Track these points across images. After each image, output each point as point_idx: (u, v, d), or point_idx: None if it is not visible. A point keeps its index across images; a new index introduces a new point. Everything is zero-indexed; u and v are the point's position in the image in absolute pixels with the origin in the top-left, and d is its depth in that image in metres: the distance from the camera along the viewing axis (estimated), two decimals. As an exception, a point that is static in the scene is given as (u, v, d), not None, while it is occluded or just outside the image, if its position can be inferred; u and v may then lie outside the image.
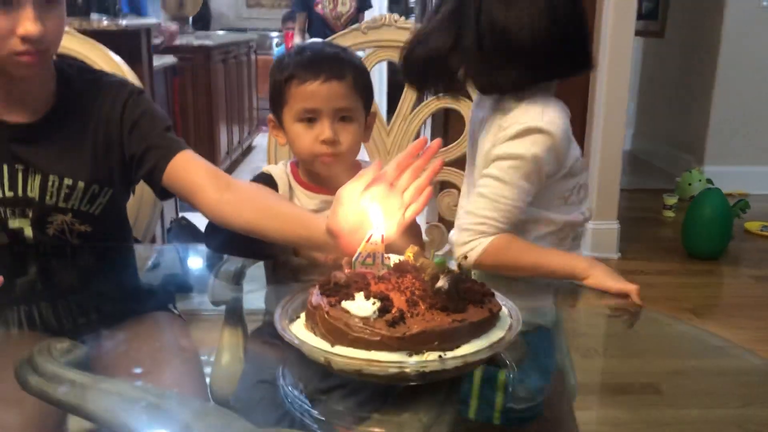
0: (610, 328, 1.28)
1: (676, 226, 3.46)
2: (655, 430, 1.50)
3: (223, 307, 1.19)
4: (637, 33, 3.15)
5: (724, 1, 4.10)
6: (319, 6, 4.54)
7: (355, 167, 1.24)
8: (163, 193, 1.13)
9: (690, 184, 3.98)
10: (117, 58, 1.45)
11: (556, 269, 1.09)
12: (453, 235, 1.15)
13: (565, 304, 1.20)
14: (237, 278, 1.20)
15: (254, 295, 1.22)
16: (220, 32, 5.71)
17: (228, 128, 4.59)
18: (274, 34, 6.68)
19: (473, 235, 1.08)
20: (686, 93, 4.53)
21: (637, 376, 1.32)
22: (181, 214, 2.77)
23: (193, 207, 1.09)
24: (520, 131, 1.09)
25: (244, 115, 5.26)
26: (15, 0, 0.96)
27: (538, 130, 1.08)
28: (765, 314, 2.75)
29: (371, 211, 0.78)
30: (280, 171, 1.25)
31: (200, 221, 1.30)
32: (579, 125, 3.12)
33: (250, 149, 5.50)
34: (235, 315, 1.16)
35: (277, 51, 6.14)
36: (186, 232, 2.55)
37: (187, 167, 1.09)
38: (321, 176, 1.22)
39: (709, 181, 3.90)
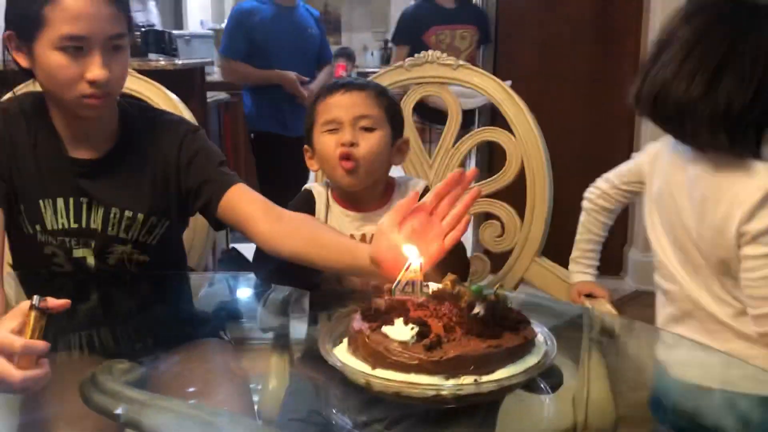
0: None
1: None
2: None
3: (271, 334, 1.24)
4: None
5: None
6: (433, 38, 3.50)
7: (389, 185, 1.30)
8: (218, 224, 1.20)
9: None
10: (173, 96, 1.53)
11: None
12: (752, 326, 1.09)
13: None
14: (284, 306, 1.25)
15: (300, 323, 1.27)
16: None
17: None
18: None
19: None
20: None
21: None
22: (231, 245, 2.86)
23: (246, 237, 1.15)
24: None
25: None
26: (85, 47, 1.04)
27: None
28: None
29: (408, 247, 0.82)
30: (320, 188, 1.32)
31: (249, 251, 1.36)
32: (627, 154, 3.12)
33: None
34: (282, 342, 1.20)
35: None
36: (235, 262, 2.63)
37: (240, 200, 1.15)
38: (348, 192, 1.27)
39: None
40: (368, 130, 1.24)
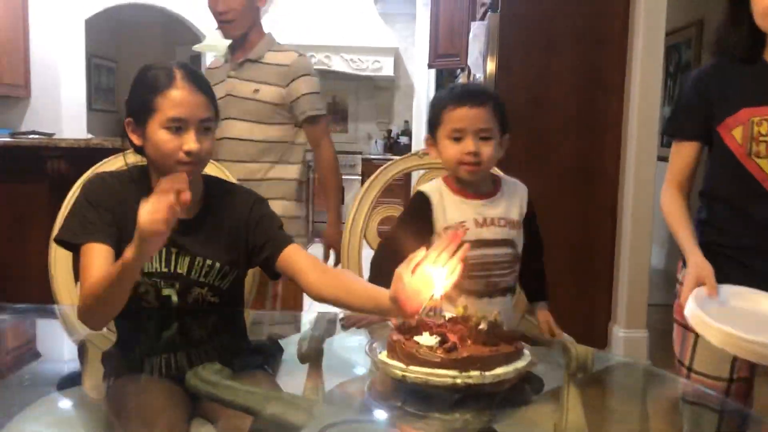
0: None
1: (704, 338, 3.64)
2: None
3: (306, 366, 1.51)
4: (665, 159, 3.43)
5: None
6: None
7: (497, 179, 1.67)
8: (274, 275, 1.51)
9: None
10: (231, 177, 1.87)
11: None
12: None
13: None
14: (320, 341, 1.53)
15: (333, 354, 1.55)
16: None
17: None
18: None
19: None
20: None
21: None
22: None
23: (298, 285, 1.46)
24: None
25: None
26: (183, 127, 1.38)
27: None
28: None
29: (434, 276, 1.13)
30: (432, 187, 1.63)
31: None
32: (610, 240, 3.45)
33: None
34: (316, 370, 1.47)
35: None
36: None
37: (294, 256, 1.47)
38: (466, 182, 1.59)
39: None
40: (486, 139, 1.56)
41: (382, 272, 1.60)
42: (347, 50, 7.18)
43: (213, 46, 5.21)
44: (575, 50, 3.36)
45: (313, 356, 1.52)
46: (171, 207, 1.18)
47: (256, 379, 1.42)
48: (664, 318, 4.43)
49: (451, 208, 1.60)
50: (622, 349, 3.37)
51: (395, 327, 1.11)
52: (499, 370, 1.02)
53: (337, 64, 7.28)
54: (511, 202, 1.65)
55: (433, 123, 1.62)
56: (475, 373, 1.01)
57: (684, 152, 1.62)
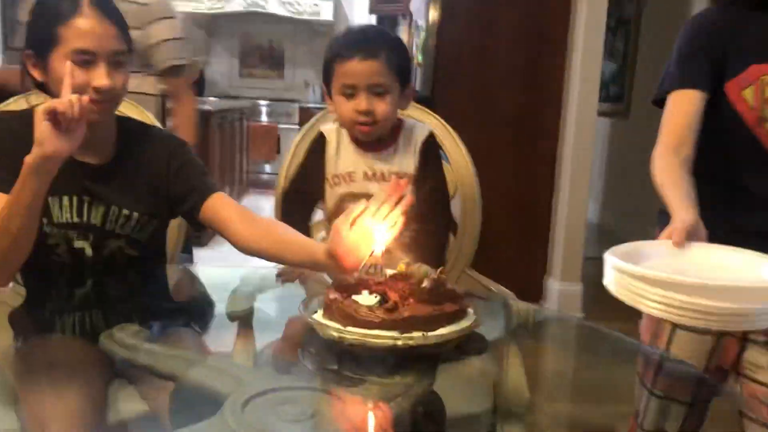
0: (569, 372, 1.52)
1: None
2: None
3: (236, 324, 1.42)
4: (605, 114, 3.46)
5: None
6: None
7: (396, 127, 1.51)
8: (198, 226, 1.39)
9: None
10: (151, 116, 1.72)
11: None
12: None
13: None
14: (251, 298, 1.44)
15: (265, 312, 1.46)
16: (213, 99, 6.03)
17: (221, 189, 4.85)
18: (263, 102, 7.08)
19: None
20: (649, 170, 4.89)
21: (595, 419, 1.42)
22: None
23: (224, 238, 1.34)
24: None
25: (235, 177, 5.54)
26: (92, 60, 1.23)
27: None
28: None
29: (374, 230, 1.04)
30: (332, 130, 1.52)
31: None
32: (549, 194, 3.45)
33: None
34: (247, 329, 1.39)
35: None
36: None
37: (219, 206, 1.35)
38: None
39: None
40: (381, 94, 1.42)
41: (288, 214, 1.51)
42: (284, -8, 6.94)
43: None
44: (520, 1, 3.32)
45: (242, 314, 1.44)
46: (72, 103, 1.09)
47: (181, 339, 1.33)
48: (598, 272, 4.57)
49: (344, 157, 1.52)
50: (557, 302, 3.40)
51: (333, 285, 1.02)
52: (442, 331, 0.95)
53: (273, 6, 7.01)
54: (407, 153, 1.53)
55: (326, 75, 1.48)
56: (417, 334, 0.93)
57: (686, 103, 1.30)
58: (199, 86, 6.48)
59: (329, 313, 0.98)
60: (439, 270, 1.08)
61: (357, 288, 0.99)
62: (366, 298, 0.96)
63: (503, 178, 3.35)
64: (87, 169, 1.31)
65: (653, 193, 1.31)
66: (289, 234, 1.32)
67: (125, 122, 1.40)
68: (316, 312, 1.02)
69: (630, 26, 5.29)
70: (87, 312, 1.33)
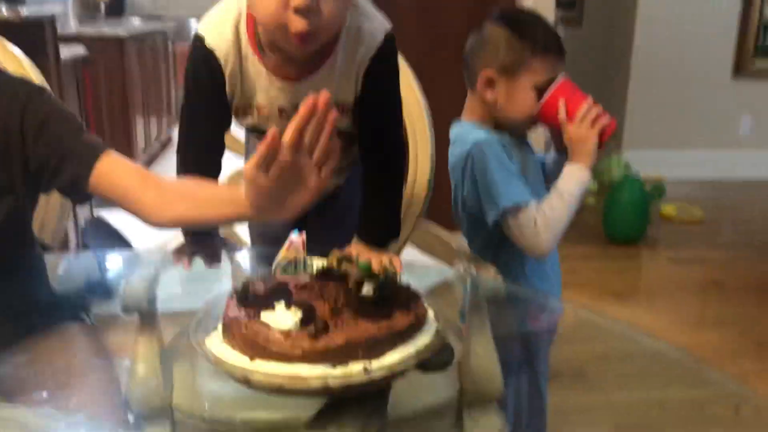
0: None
1: (596, 213, 3.54)
2: (584, 414, 1.54)
3: (136, 315, 1.13)
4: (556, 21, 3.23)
5: (637, -9, 4.24)
6: None
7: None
8: (81, 197, 1.06)
9: (610, 170, 4.08)
10: (17, 52, 1.35)
11: None
12: None
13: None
14: (152, 283, 1.13)
15: (171, 301, 1.17)
16: (135, 20, 5.48)
17: (145, 122, 4.43)
18: (193, 20, 6.47)
19: None
20: (604, 80, 4.65)
21: (565, 362, 1.37)
22: (96, 214, 2.64)
23: (126, 211, 1.01)
24: None
25: (162, 107, 5.09)
26: None
27: None
28: (683, 296, 2.86)
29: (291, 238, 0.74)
30: (224, 38, 1.03)
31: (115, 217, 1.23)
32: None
33: (169, 142, 5.32)
34: (149, 322, 1.10)
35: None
36: (103, 232, 2.43)
37: (114, 172, 1.01)
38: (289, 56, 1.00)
39: (627, 166, 4.01)
40: None
41: (185, 158, 1.17)
42: None
43: None
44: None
45: (139, 305, 1.13)
46: None
47: (68, 335, 1.08)
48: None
49: (255, 77, 1.05)
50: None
51: (233, 292, 0.72)
52: (393, 357, 0.67)
53: None
54: (347, 73, 1.09)
55: None
56: (356, 366, 0.65)
57: None
58: (118, 6, 5.90)
59: (230, 337, 0.69)
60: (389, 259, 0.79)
61: (269, 300, 0.69)
62: (281, 317, 0.67)
63: (457, 107, 3.06)
64: None
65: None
66: (204, 187, 1.01)
67: None
68: (213, 330, 0.73)
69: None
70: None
